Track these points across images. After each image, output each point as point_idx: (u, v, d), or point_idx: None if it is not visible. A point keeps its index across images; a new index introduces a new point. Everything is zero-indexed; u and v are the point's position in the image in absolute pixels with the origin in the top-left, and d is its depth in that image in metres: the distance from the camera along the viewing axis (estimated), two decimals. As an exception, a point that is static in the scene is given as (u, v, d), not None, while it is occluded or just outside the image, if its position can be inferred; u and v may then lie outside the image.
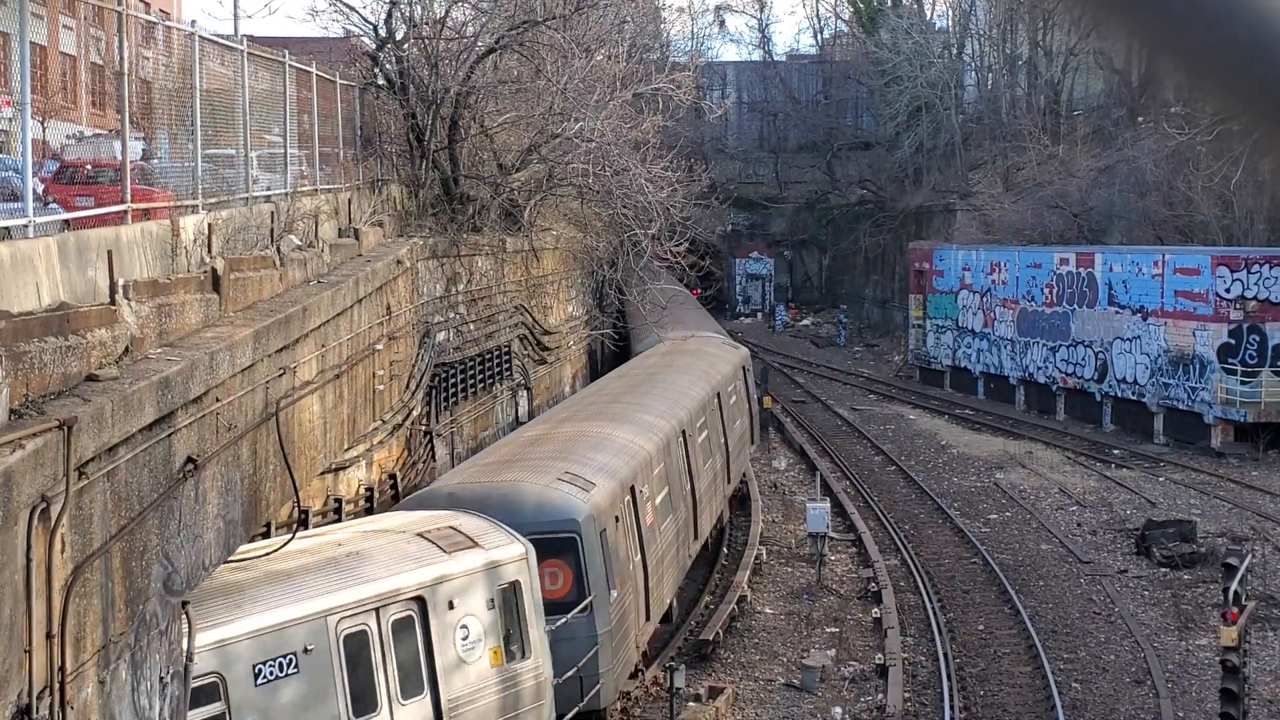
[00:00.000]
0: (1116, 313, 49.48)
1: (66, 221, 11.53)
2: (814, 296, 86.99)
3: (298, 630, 13.79)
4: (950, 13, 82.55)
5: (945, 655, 25.90)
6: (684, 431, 27.50)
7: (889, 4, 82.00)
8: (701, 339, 40.51)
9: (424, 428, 27.13)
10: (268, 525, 16.80)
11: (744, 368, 38.85)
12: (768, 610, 29.22)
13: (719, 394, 32.81)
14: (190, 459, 11.13)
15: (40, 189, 11.91)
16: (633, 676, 22.28)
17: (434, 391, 27.90)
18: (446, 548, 16.33)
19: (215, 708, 12.77)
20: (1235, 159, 47.41)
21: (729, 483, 33.31)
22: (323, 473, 19.21)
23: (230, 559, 13.27)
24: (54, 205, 12.29)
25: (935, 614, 28.47)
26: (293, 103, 20.07)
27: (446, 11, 33.73)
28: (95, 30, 16.35)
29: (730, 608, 27.76)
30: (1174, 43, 1.69)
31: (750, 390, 39.23)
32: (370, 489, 22.79)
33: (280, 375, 14.30)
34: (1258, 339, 44.25)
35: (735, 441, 34.31)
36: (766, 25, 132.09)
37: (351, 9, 33.83)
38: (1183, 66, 1.69)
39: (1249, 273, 44.57)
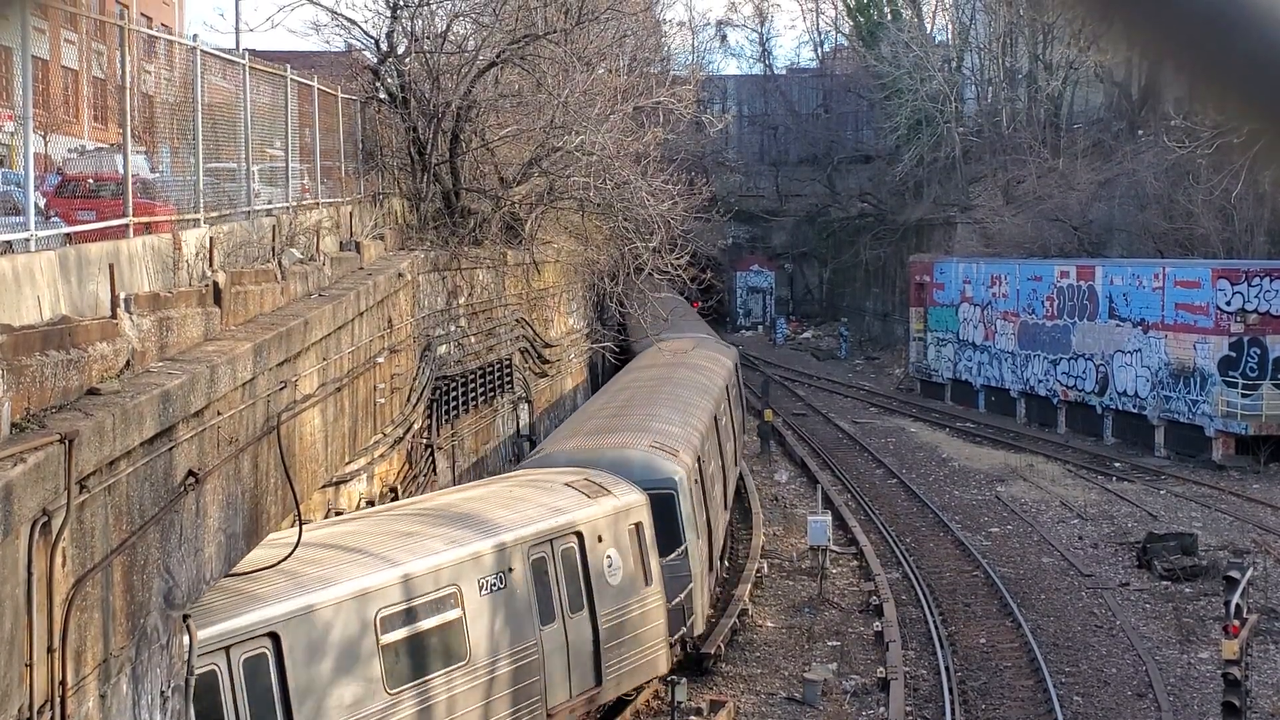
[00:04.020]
0: (1117, 326, 49.47)
1: (68, 235, 11.55)
2: (815, 309, 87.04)
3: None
4: (950, 26, 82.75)
5: (947, 669, 25.85)
6: None
7: (889, 18, 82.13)
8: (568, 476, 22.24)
9: (425, 441, 27.12)
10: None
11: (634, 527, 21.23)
12: (769, 624, 29.17)
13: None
14: (191, 472, 11.12)
15: (42, 203, 11.93)
16: None
17: (435, 404, 27.89)
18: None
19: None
20: (1235, 172, 47.43)
21: None
22: (324, 486, 19.19)
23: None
24: (56, 219, 12.31)
25: (937, 627, 28.42)
26: (294, 116, 20.10)
27: (448, 26, 33.81)
28: (97, 44, 16.38)
29: (731, 621, 27.70)
30: (1177, 50, 1.69)
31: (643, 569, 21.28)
32: (371, 503, 22.76)
33: (281, 388, 14.30)
34: (1258, 352, 44.24)
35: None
36: (767, 39, 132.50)
37: (353, 23, 34.00)
38: (1185, 75, 1.69)
39: (1249, 285, 44.58)
